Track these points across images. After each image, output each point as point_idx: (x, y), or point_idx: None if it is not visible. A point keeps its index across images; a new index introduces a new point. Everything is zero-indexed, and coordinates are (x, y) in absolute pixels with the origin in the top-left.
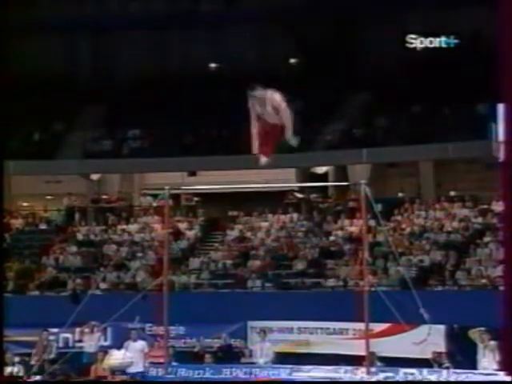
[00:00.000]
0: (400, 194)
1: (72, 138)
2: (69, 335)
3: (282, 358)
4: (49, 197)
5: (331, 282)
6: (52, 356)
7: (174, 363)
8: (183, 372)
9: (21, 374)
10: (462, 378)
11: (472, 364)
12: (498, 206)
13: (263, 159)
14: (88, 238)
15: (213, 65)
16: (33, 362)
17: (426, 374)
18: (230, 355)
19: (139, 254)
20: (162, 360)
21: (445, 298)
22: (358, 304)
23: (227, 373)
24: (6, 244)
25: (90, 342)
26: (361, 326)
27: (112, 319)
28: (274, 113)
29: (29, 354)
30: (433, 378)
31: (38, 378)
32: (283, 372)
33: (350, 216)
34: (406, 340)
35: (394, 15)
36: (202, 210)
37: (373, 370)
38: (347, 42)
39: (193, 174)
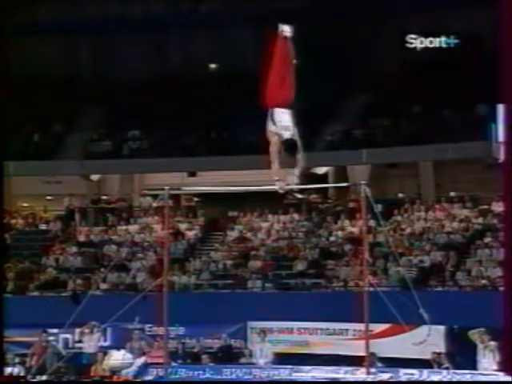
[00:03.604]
0: (400, 195)
1: (72, 138)
2: (69, 336)
3: (282, 359)
4: (49, 197)
5: (333, 284)
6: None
7: (174, 363)
8: (183, 372)
9: (21, 374)
10: (462, 378)
11: (472, 365)
12: (498, 207)
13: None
14: (88, 239)
15: (212, 65)
16: (32, 363)
17: (426, 374)
18: (229, 356)
19: (139, 255)
20: (161, 360)
21: (445, 298)
22: (357, 304)
23: (227, 373)
24: (5, 244)
25: (90, 342)
26: (361, 326)
27: (112, 320)
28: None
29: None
30: (433, 378)
31: (38, 378)
32: (283, 373)
33: (350, 216)
34: (406, 341)
35: (393, 15)
36: (202, 210)
37: (373, 370)
38: (347, 42)
39: (193, 174)
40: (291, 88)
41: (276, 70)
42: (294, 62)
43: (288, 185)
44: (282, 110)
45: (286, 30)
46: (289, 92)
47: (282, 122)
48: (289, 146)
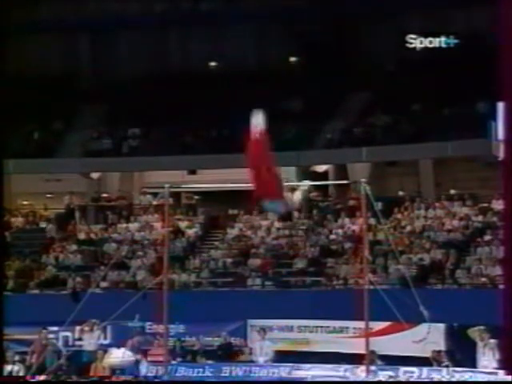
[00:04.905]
0: (400, 193)
1: (72, 136)
2: (69, 334)
3: (282, 357)
4: (49, 195)
5: (333, 282)
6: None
7: (174, 361)
8: (183, 370)
9: (21, 372)
10: (462, 376)
11: (472, 362)
12: (498, 205)
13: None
14: (88, 237)
15: (212, 63)
16: (33, 361)
17: (426, 372)
18: (229, 354)
19: (139, 253)
20: (161, 359)
21: (445, 296)
22: (358, 302)
23: (227, 371)
24: (6, 242)
25: (90, 340)
26: (361, 324)
27: (112, 318)
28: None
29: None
30: (433, 376)
31: (37, 377)
32: (283, 370)
33: (350, 214)
34: (406, 338)
35: (394, 15)
36: (202, 208)
37: (373, 368)
38: (347, 41)
39: (193, 172)
40: (276, 185)
41: (254, 171)
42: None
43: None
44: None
45: (257, 122)
46: (274, 190)
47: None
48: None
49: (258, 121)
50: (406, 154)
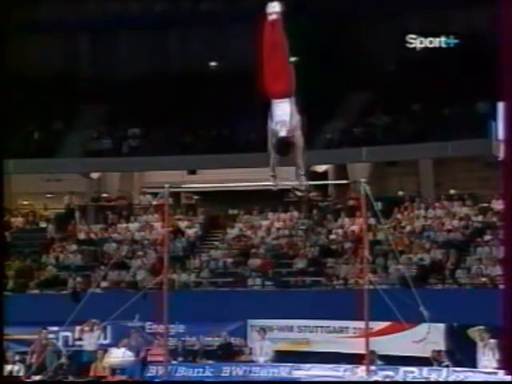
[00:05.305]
0: (400, 193)
1: (72, 136)
2: (69, 334)
3: (282, 357)
4: (49, 195)
5: (333, 282)
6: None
7: (174, 361)
8: (183, 370)
9: (21, 372)
10: (462, 376)
11: (472, 362)
12: (498, 205)
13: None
14: (88, 237)
15: (212, 63)
16: (32, 361)
17: (425, 372)
18: (229, 354)
19: (139, 253)
20: (161, 358)
21: (445, 296)
22: (357, 302)
23: (227, 371)
24: (6, 242)
25: (90, 340)
26: (361, 324)
27: (112, 318)
28: None
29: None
30: (433, 376)
31: (37, 377)
32: (283, 370)
33: (350, 214)
34: (406, 338)
35: (394, 15)
36: (202, 208)
37: (373, 368)
38: (347, 41)
39: (193, 172)
40: (288, 76)
41: (267, 60)
42: (293, 59)
43: (297, 188)
44: (281, 100)
45: (273, 10)
46: (285, 81)
47: (280, 115)
48: (281, 147)
49: (274, 8)
50: (406, 154)
